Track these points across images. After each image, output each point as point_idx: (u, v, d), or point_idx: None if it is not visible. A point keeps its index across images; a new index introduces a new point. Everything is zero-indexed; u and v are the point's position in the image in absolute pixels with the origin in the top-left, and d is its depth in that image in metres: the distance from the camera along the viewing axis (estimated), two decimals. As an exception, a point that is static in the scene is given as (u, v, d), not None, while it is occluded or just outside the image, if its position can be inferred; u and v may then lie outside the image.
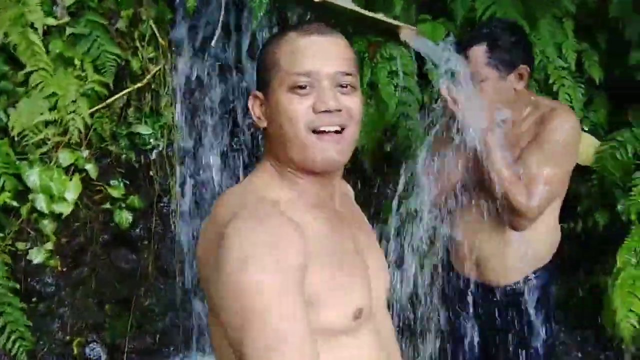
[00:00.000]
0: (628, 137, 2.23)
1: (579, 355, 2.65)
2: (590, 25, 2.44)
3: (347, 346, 0.91)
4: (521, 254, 1.72)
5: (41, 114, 2.24)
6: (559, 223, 1.84)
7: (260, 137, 2.59)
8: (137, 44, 2.48)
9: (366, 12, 2.10)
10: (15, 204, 2.24)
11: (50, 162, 2.30)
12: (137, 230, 2.53)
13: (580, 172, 2.17)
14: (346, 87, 0.93)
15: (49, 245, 2.32)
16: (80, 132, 2.30)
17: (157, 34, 2.48)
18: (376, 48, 2.42)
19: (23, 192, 2.25)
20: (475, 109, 1.59)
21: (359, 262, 0.97)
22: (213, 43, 2.32)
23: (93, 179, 2.38)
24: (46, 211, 2.24)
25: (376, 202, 2.75)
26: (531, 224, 1.68)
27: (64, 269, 2.40)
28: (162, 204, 2.57)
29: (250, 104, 0.99)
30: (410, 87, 2.49)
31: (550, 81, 2.36)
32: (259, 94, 0.97)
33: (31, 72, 2.23)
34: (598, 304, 2.32)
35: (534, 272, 1.79)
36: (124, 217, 2.42)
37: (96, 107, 2.37)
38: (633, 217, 2.10)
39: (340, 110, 0.91)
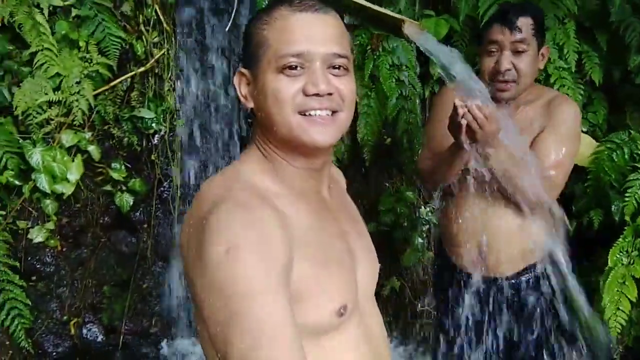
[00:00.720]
0: (625, 139, 2.26)
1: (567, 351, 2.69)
2: (591, 27, 2.46)
3: (331, 343, 0.88)
4: (528, 242, 1.70)
5: (45, 94, 2.26)
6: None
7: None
8: (142, 28, 2.49)
9: (369, 4, 2.11)
10: (17, 182, 2.27)
11: (54, 142, 2.32)
12: (137, 213, 2.56)
13: (576, 172, 2.20)
14: (339, 68, 0.88)
15: (50, 225, 2.35)
16: (83, 113, 2.32)
17: (162, 19, 2.49)
18: (379, 41, 2.43)
19: (26, 171, 2.27)
20: (509, 131, 1.54)
21: (345, 254, 0.93)
22: (227, 28, 2.34)
23: (95, 160, 2.40)
24: (48, 191, 2.26)
25: (374, 195, 2.78)
26: None
27: (64, 249, 2.43)
28: (162, 188, 2.59)
29: (236, 81, 0.92)
30: (412, 80, 2.52)
31: (551, 81, 2.39)
32: (246, 71, 0.90)
33: (36, 52, 2.25)
34: (588, 302, 2.36)
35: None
36: (125, 200, 2.44)
37: (100, 90, 2.39)
38: (627, 218, 2.14)
39: (331, 94, 0.86)
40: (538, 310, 1.79)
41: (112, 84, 2.43)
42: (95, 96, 2.38)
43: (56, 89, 2.31)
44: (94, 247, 2.49)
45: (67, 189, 2.29)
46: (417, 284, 2.82)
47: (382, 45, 2.45)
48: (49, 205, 2.31)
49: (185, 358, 2.55)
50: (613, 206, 2.20)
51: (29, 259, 2.38)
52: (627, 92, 2.49)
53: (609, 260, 2.04)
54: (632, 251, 2.04)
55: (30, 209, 2.34)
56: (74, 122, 2.33)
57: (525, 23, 1.66)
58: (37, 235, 2.32)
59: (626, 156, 2.23)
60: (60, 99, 2.30)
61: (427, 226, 2.73)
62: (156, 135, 2.54)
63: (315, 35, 0.86)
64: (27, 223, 2.33)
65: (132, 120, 2.47)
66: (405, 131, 2.58)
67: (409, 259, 2.68)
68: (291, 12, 0.86)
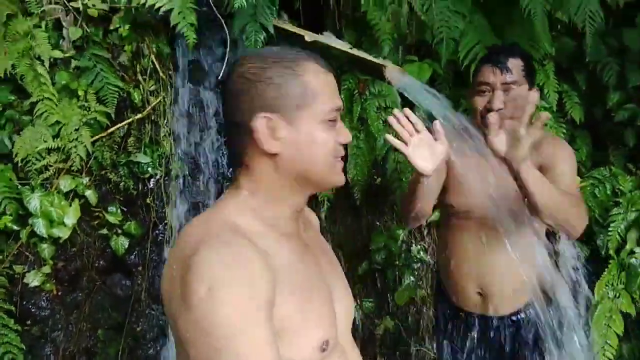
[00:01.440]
0: (606, 175, 2.32)
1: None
2: (569, 68, 2.55)
3: None
4: (523, 279, 1.70)
5: (45, 141, 2.34)
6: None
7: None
8: (139, 77, 2.59)
9: (354, 51, 2.22)
10: (15, 227, 2.32)
11: (52, 187, 2.38)
12: (132, 256, 2.59)
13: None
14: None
15: (46, 269, 2.38)
16: (81, 159, 2.40)
17: (158, 68, 2.60)
18: (365, 85, 2.53)
19: (24, 216, 2.32)
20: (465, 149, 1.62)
21: (325, 291, 0.98)
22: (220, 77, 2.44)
23: (92, 205, 2.46)
24: (45, 235, 2.31)
25: (366, 234, 2.82)
26: None
27: (59, 293, 2.45)
28: (157, 231, 2.64)
29: (261, 126, 0.92)
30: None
31: (533, 120, 2.45)
32: (274, 116, 0.93)
33: (37, 102, 2.33)
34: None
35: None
36: (120, 244, 2.49)
37: (98, 136, 2.47)
38: (611, 252, 2.17)
39: None
40: (539, 346, 1.79)
41: (110, 130, 2.51)
42: (93, 143, 2.46)
43: (55, 136, 2.38)
44: (89, 291, 2.51)
45: (63, 233, 2.34)
46: (411, 324, 2.82)
47: (369, 88, 2.55)
48: (46, 250, 2.35)
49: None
50: (598, 240, 2.23)
51: (25, 303, 2.40)
52: (608, 128, 2.56)
53: (595, 295, 2.06)
54: (617, 285, 2.06)
55: (27, 253, 2.37)
56: (72, 168, 2.39)
57: (515, 64, 1.68)
58: (33, 280, 2.35)
59: (608, 192, 2.28)
60: (59, 145, 2.37)
61: (419, 264, 2.75)
62: (152, 179, 2.60)
63: (337, 92, 1.01)
64: (23, 267, 2.36)
65: (129, 165, 2.54)
66: (394, 170, 2.65)
67: (402, 297, 2.69)
68: (323, 70, 0.97)
